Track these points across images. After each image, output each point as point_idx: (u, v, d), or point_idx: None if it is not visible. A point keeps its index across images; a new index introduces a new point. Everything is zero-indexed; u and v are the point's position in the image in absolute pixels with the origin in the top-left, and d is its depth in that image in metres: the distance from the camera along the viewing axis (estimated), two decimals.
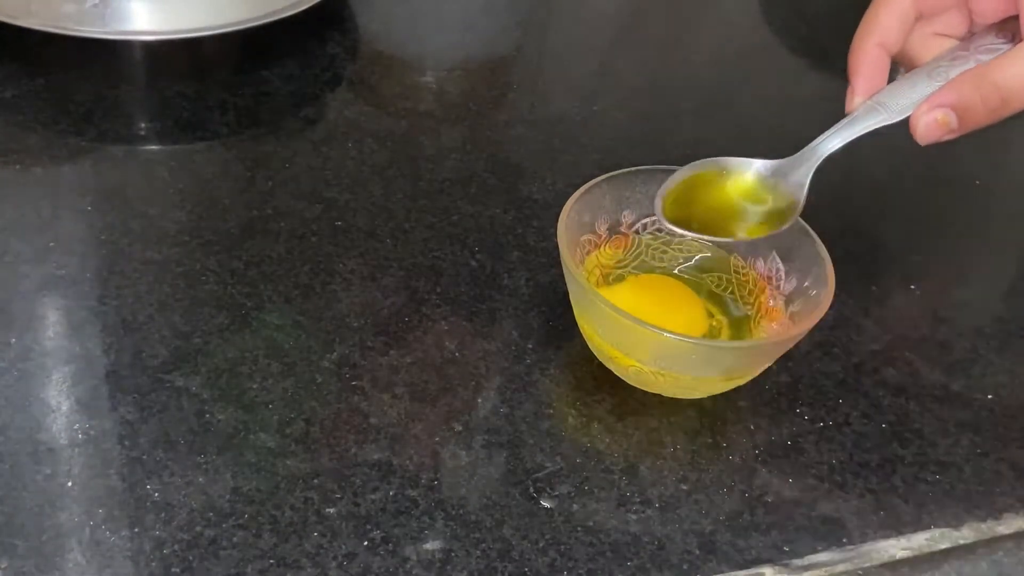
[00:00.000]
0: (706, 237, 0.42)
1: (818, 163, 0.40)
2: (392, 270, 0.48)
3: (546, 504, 0.38)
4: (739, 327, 0.44)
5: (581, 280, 0.40)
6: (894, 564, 0.38)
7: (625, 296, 0.44)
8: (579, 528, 0.38)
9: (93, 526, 0.36)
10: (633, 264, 0.46)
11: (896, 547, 0.39)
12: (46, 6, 0.57)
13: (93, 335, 0.43)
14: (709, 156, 0.42)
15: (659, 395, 0.43)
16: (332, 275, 0.47)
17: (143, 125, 0.56)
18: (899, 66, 0.44)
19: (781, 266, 0.44)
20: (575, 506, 0.38)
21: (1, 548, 0.35)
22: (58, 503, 0.36)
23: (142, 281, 0.45)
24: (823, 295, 0.40)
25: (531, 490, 0.39)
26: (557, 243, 0.41)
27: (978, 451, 0.43)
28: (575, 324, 0.44)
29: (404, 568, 0.36)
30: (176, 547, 0.35)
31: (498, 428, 0.41)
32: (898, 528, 0.39)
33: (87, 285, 0.45)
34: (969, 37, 0.42)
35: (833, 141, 0.41)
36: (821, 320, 0.39)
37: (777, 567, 0.38)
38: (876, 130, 0.40)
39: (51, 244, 0.47)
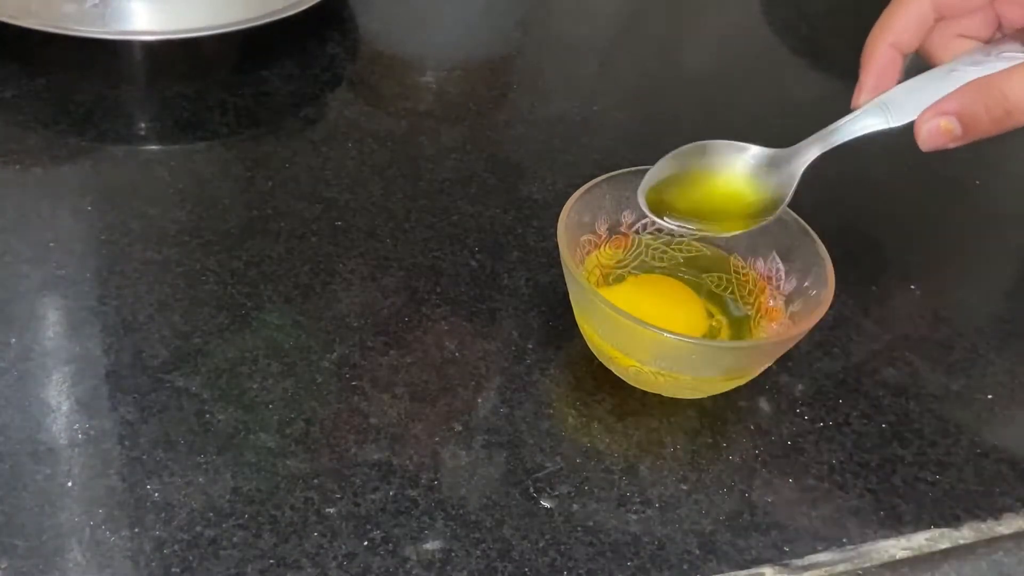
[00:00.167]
0: (690, 227, 0.41)
1: (813, 157, 0.40)
2: (392, 270, 0.48)
3: (546, 504, 0.38)
4: (739, 327, 0.44)
5: (581, 280, 0.40)
6: (894, 564, 0.38)
7: (625, 296, 0.44)
8: (579, 528, 0.38)
9: (93, 526, 0.36)
10: (633, 264, 0.46)
11: (896, 547, 0.39)
12: (46, 6, 0.57)
13: (93, 335, 0.43)
14: None
15: (659, 395, 0.43)
16: (332, 275, 0.47)
17: (143, 125, 0.56)
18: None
19: (781, 266, 0.44)
20: (575, 506, 0.38)
21: (1, 548, 0.35)
22: (58, 503, 0.36)
23: (142, 281, 0.45)
24: (823, 295, 0.40)
25: (531, 490, 0.39)
26: (557, 243, 0.41)
27: (978, 451, 0.43)
28: (575, 324, 0.44)
29: (404, 568, 0.36)
30: (176, 547, 0.35)
31: (498, 428, 0.41)
32: (898, 528, 0.39)
33: (87, 285, 0.45)
34: (993, 41, 0.41)
35: (831, 137, 0.40)
36: (821, 320, 0.39)
37: (777, 567, 0.38)
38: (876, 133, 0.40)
39: (51, 244, 0.47)
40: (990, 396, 0.46)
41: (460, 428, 0.41)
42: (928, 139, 0.39)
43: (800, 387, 0.45)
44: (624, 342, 0.40)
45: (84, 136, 0.54)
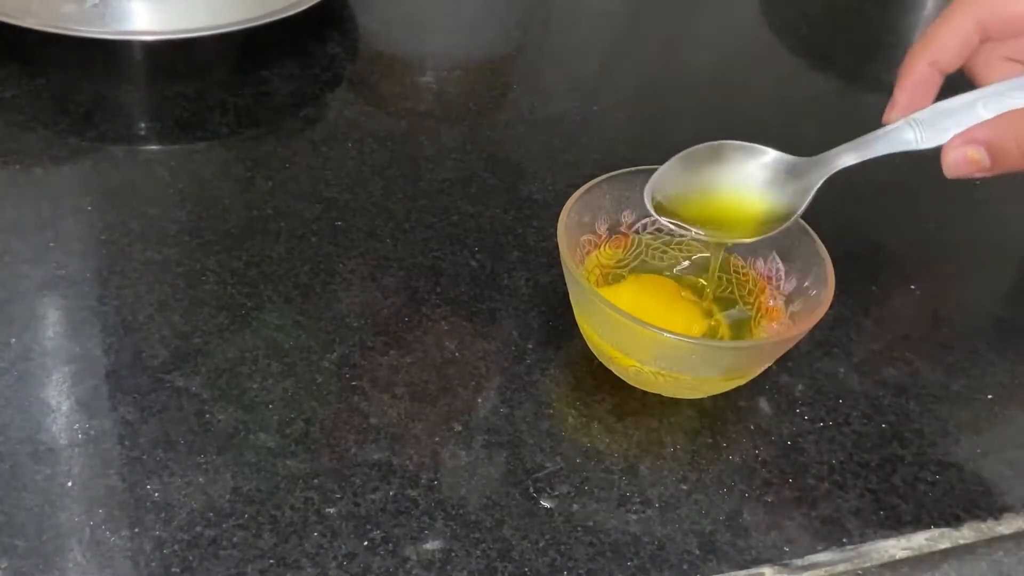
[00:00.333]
0: (694, 230, 0.41)
1: (833, 172, 0.39)
2: (392, 270, 0.48)
3: (546, 504, 0.38)
4: (739, 327, 0.44)
5: (581, 280, 0.40)
6: (894, 564, 0.38)
7: (625, 296, 0.44)
8: (579, 528, 0.38)
9: (93, 526, 0.36)
10: (633, 264, 0.46)
11: (896, 547, 0.39)
12: (46, 6, 0.57)
13: (93, 335, 0.43)
14: None
15: (659, 395, 0.43)
16: (332, 275, 0.47)
17: (143, 125, 0.56)
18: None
19: (781, 266, 0.44)
20: (575, 506, 0.38)
21: (1, 548, 0.35)
22: (58, 503, 0.36)
23: (142, 281, 0.45)
24: (823, 295, 0.40)
25: (531, 490, 0.39)
26: (557, 243, 0.41)
27: (978, 451, 0.43)
28: (575, 324, 0.44)
29: (404, 568, 0.36)
30: (176, 547, 0.35)
31: (498, 428, 0.41)
32: (898, 528, 0.39)
33: (87, 285, 0.45)
34: None
35: (853, 154, 0.39)
36: (821, 320, 0.39)
37: (777, 567, 0.38)
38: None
39: (51, 244, 0.47)
40: (990, 396, 0.46)
41: (460, 428, 0.41)
42: (954, 167, 0.38)
43: (800, 387, 0.45)
44: (624, 342, 0.40)
45: (84, 136, 0.54)
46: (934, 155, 0.40)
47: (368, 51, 0.64)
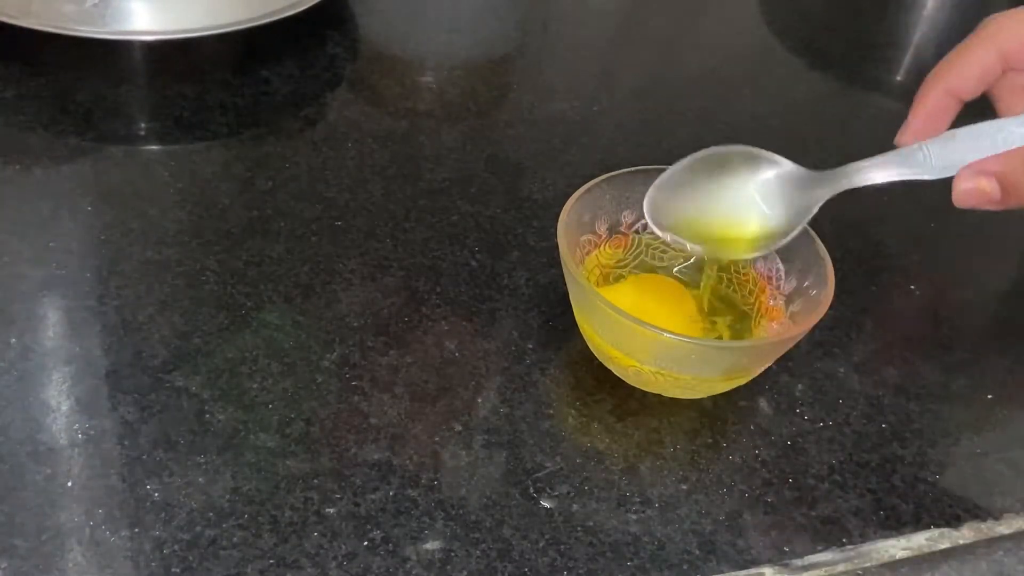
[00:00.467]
0: (693, 247, 0.41)
1: (837, 192, 0.39)
2: (392, 270, 0.48)
3: (546, 504, 0.38)
4: (739, 327, 0.44)
5: (581, 280, 0.40)
6: (894, 564, 0.38)
7: (625, 296, 0.44)
8: (579, 528, 0.38)
9: (93, 526, 0.36)
10: (633, 264, 0.46)
11: (896, 547, 0.39)
12: (46, 6, 0.57)
13: (93, 335, 0.43)
14: None
15: (659, 395, 0.43)
16: (332, 275, 0.47)
17: (143, 125, 0.56)
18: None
19: (781, 266, 0.44)
20: (575, 506, 0.38)
21: (1, 548, 0.35)
22: (58, 503, 0.36)
23: (142, 281, 0.45)
24: (823, 295, 0.40)
25: (531, 490, 0.39)
26: (557, 243, 0.41)
27: (978, 451, 0.43)
28: (575, 324, 0.44)
29: (404, 568, 0.36)
30: (176, 547, 0.35)
31: (498, 428, 0.41)
32: (898, 528, 0.39)
33: (87, 285, 0.45)
34: None
35: (861, 176, 0.39)
36: (821, 320, 0.39)
37: (777, 567, 0.38)
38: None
39: (51, 244, 0.47)
40: (990, 396, 0.46)
41: (460, 428, 0.41)
42: (964, 197, 0.37)
43: (800, 387, 0.45)
44: (624, 342, 0.40)
45: (84, 136, 0.54)
46: None
47: (368, 51, 0.64)
